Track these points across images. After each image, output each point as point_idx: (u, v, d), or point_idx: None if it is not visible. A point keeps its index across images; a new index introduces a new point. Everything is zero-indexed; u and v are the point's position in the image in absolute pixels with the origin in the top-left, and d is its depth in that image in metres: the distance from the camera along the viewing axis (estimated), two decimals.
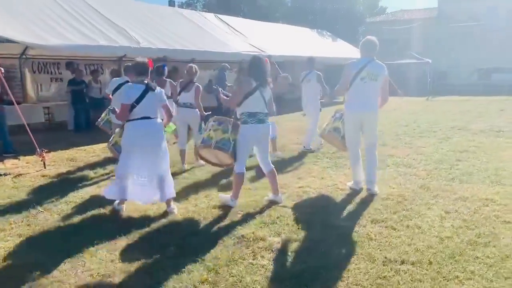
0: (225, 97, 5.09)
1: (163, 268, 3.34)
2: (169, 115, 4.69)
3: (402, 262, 3.36)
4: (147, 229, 4.15)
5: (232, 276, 3.22)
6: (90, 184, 5.90)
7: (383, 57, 20.76)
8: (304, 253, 3.57)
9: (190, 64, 6.90)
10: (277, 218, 4.37)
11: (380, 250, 3.59)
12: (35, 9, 10.05)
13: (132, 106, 4.34)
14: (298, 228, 4.10)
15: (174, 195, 4.71)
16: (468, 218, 4.26)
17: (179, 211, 4.61)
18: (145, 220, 4.37)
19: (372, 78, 4.99)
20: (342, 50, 22.53)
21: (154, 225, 4.25)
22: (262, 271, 3.28)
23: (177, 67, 14.46)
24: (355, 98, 5.11)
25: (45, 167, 6.89)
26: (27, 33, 8.75)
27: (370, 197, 4.99)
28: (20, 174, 6.49)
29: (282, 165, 6.74)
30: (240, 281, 3.14)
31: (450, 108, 15.26)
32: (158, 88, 4.52)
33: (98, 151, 8.20)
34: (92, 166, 6.99)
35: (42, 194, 5.39)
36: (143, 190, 4.53)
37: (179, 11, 15.76)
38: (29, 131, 7.16)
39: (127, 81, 6.75)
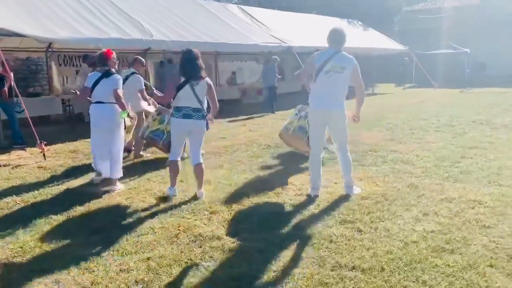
0: (159, 94, 5.33)
1: (105, 265, 3.29)
2: (119, 102, 5.10)
3: (353, 268, 3.15)
4: (99, 224, 4.13)
5: (170, 277, 3.12)
6: (81, 176, 5.94)
7: (418, 47, 20.13)
8: (254, 255, 3.41)
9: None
10: (243, 216, 4.24)
11: (335, 254, 3.38)
12: (51, 3, 10.25)
13: (91, 91, 5.15)
14: (260, 228, 3.94)
15: (120, 175, 5.32)
16: (445, 221, 3.95)
17: (135, 205, 4.60)
18: (100, 214, 4.36)
19: (338, 71, 4.54)
20: (373, 40, 21.81)
21: (110, 220, 4.22)
22: (203, 272, 3.16)
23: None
24: (319, 93, 4.68)
25: (45, 159, 7.03)
26: (36, 26, 8.94)
27: (349, 196, 4.74)
28: (19, 165, 6.65)
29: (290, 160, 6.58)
30: (174, 283, 3.03)
31: (481, 101, 14.41)
32: (114, 75, 5.12)
33: None
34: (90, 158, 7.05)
35: (27, 186, 5.48)
36: (105, 164, 5.34)
37: (200, 2, 15.70)
38: (31, 123, 7.35)
39: (134, 72, 6.88)
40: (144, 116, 7.02)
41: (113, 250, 3.54)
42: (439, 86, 19.94)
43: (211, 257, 3.40)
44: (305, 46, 15.35)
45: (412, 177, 5.41)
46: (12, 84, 7.81)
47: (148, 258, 3.37)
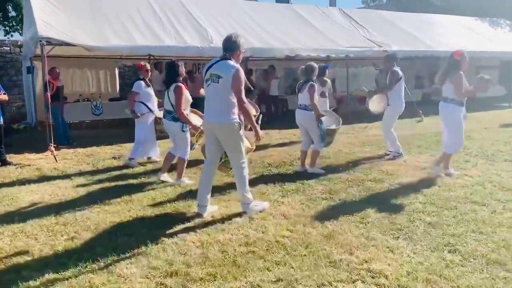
0: None
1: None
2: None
3: None
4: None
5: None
6: (70, 179, 6.07)
7: None
8: None
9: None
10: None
11: None
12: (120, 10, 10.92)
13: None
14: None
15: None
16: None
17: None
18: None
19: (214, 80, 4.15)
20: None
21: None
22: None
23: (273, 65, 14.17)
24: (205, 104, 4.35)
25: (56, 161, 7.40)
26: (92, 35, 9.55)
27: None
28: (26, 165, 7.11)
29: None
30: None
31: None
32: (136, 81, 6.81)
33: (123, 149, 8.42)
34: (97, 164, 7.14)
35: (11, 187, 5.76)
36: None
37: (292, 7, 15.00)
38: (49, 127, 7.84)
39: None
40: None
41: None
42: None
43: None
44: (406, 50, 13.49)
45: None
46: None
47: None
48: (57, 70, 8.99)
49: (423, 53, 14.11)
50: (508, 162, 6.59)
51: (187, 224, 4.13)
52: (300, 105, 6.18)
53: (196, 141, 6.32)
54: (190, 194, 5.10)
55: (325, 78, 8.19)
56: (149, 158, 7.15)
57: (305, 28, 13.60)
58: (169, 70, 5.71)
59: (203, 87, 4.41)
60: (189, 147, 5.76)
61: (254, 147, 5.00)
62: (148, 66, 7.18)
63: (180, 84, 5.54)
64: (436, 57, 14.62)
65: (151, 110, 6.85)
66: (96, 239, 3.83)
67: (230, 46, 4.15)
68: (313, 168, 6.21)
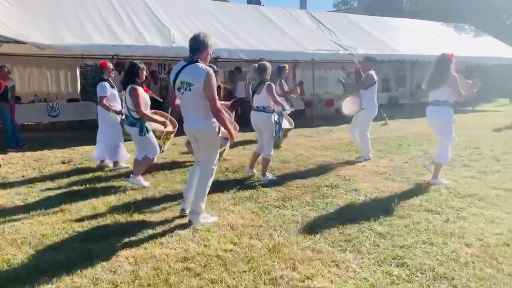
0: None
1: None
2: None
3: None
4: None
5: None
6: (9, 187, 5.63)
7: None
8: None
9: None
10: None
11: None
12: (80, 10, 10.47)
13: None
14: None
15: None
16: None
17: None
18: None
19: (186, 88, 3.91)
20: (487, 47, 18.25)
21: None
22: None
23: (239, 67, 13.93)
24: (182, 112, 4.15)
25: (0, 166, 6.95)
26: (47, 33, 9.10)
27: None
28: None
29: None
30: None
31: None
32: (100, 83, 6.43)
33: (75, 153, 8.01)
34: (44, 169, 6.70)
35: None
36: None
37: (259, 8, 14.82)
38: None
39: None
40: None
41: None
42: None
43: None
44: (372, 54, 13.44)
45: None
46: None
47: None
48: (6, 69, 8.48)
49: (389, 57, 14.18)
50: (467, 167, 6.55)
51: (124, 237, 3.83)
52: (257, 106, 5.92)
53: (164, 144, 6.26)
54: (136, 204, 4.79)
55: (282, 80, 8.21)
56: (102, 161, 6.78)
57: (272, 31, 13.43)
58: (128, 72, 5.62)
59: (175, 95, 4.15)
60: (156, 147, 5.55)
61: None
62: (111, 66, 6.89)
63: (135, 86, 5.38)
64: (402, 60, 14.72)
65: (118, 112, 6.49)
66: (19, 255, 3.48)
67: (198, 46, 3.90)
68: (264, 177, 5.88)
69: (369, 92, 6.91)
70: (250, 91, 6.08)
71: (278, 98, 5.88)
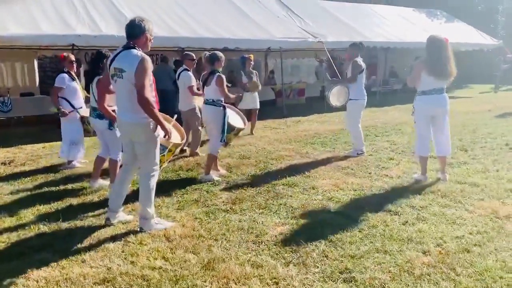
0: None
1: None
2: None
3: None
4: None
5: None
6: None
7: None
8: None
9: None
10: None
11: None
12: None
13: None
14: None
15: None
16: None
17: None
18: None
19: (118, 75, 3.58)
20: (459, 33, 17.99)
21: None
22: None
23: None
24: (116, 102, 3.90)
25: None
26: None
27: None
28: None
29: None
30: None
31: None
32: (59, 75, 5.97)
33: (21, 152, 7.42)
34: None
35: None
36: None
37: None
38: None
39: (186, 69, 6.85)
40: (198, 113, 6.68)
41: None
42: None
43: None
44: (343, 41, 13.08)
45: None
46: None
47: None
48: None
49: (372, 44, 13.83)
50: (433, 159, 6.24)
51: (43, 254, 3.36)
52: (207, 100, 5.47)
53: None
54: (69, 212, 4.31)
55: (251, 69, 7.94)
56: (70, 162, 6.26)
57: (240, 19, 12.91)
58: (92, 62, 5.23)
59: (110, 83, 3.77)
60: (119, 147, 4.96)
61: (183, 142, 4.65)
62: (73, 57, 6.32)
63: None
64: (373, 47, 14.40)
65: (74, 108, 6.03)
66: None
67: (133, 31, 3.54)
68: (207, 175, 5.40)
69: (357, 80, 6.48)
70: (200, 83, 5.62)
71: (227, 92, 5.41)
